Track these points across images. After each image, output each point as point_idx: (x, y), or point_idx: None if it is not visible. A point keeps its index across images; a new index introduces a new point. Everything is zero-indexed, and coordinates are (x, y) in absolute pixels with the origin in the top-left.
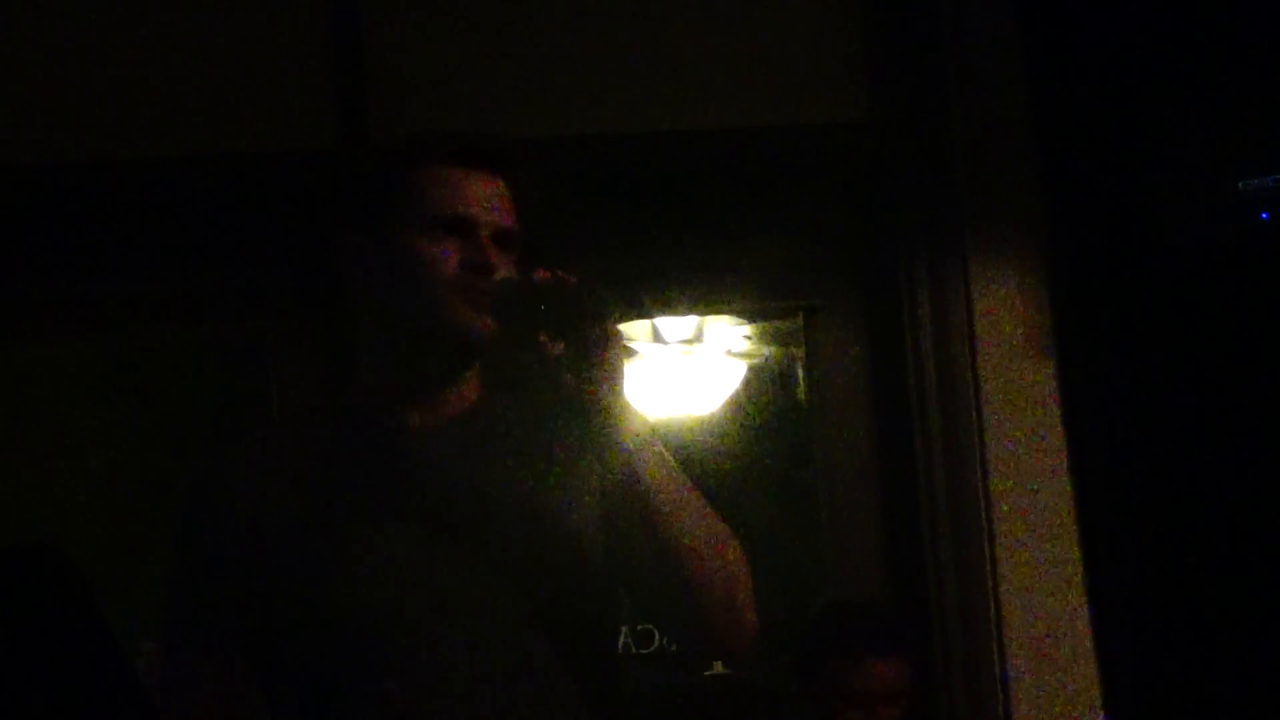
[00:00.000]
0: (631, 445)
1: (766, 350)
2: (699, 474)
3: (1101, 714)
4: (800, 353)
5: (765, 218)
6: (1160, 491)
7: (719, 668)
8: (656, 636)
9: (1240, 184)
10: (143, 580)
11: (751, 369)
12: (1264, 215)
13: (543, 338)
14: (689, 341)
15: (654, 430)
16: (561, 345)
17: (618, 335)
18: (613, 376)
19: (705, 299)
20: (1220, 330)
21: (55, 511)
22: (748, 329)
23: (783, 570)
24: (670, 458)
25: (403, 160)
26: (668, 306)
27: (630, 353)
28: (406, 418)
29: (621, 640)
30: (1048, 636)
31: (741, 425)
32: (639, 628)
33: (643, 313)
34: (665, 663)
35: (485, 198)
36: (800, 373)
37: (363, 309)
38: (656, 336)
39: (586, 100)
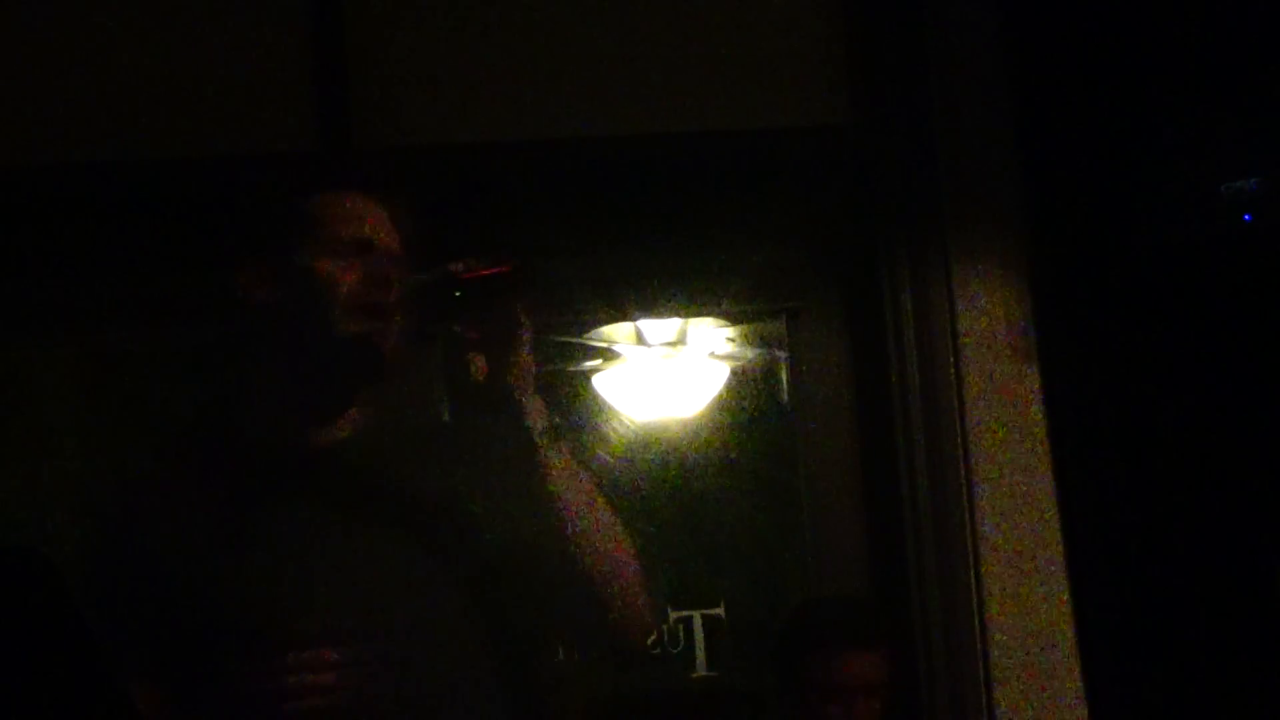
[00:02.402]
0: (539, 440)
1: (749, 352)
2: (682, 476)
3: (1085, 710)
4: (783, 354)
5: (748, 220)
6: (1143, 492)
7: (702, 670)
8: None
9: (1223, 186)
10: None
11: (734, 371)
12: (1246, 217)
13: (457, 328)
14: (672, 344)
15: (559, 428)
16: (476, 335)
17: (530, 328)
18: (523, 367)
19: (688, 301)
20: (1203, 332)
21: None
22: (731, 331)
23: (765, 571)
24: (572, 456)
25: (300, 185)
26: (650, 309)
27: (611, 355)
28: (298, 436)
29: None
30: (1031, 635)
31: (724, 427)
32: None
33: (625, 315)
34: (650, 665)
35: (379, 222)
36: (783, 375)
37: (262, 328)
38: (639, 339)
39: (568, 102)
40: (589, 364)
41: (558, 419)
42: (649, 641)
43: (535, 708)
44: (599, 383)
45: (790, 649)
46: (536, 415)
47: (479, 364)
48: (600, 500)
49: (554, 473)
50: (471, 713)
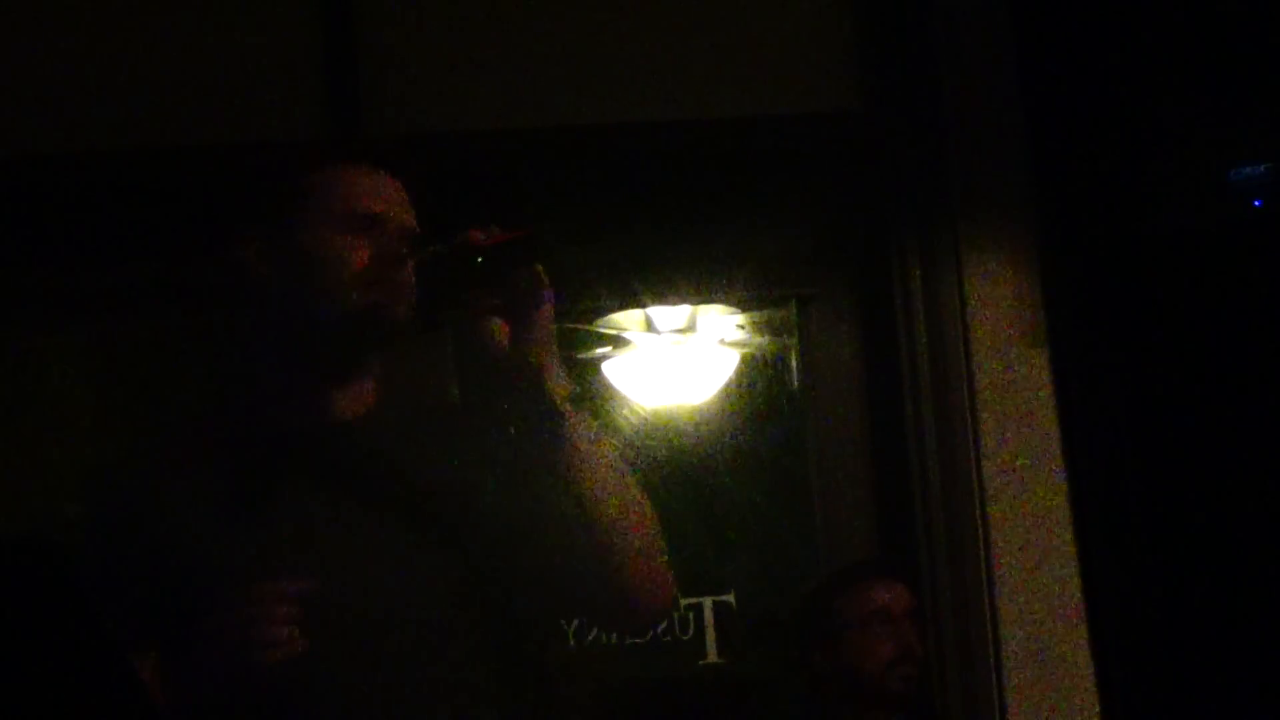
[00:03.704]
0: (563, 407)
1: (759, 339)
2: (692, 463)
3: (1095, 694)
4: (793, 341)
5: (758, 207)
6: (1153, 477)
7: (712, 657)
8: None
9: (1232, 172)
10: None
11: (744, 358)
12: (1256, 203)
13: (474, 294)
14: (682, 331)
15: (579, 396)
16: (495, 301)
17: (549, 293)
18: (545, 334)
19: (698, 288)
20: (1212, 317)
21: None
22: (740, 318)
23: (775, 558)
24: (594, 424)
25: (306, 160)
26: (660, 296)
27: (622, 342)
28: (307, 416)
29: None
30: (1042, 622)
31: (734, 414)
32: None
33: (635, 302)
34: (657, 653)
35: (391, 197)
36: (793, 361)
37: (264, 306)
38: (649, 326)
39: (578, 90)
40: (599, 351)
41: (578, 388)
42: (666, 615)
43: (544, 696)
44: (609, 370)
45: (818, 604)
46: (560, 382)
47: (502, 331)
48: (625, 470)
49: (579, 441)
50: (473, 702)
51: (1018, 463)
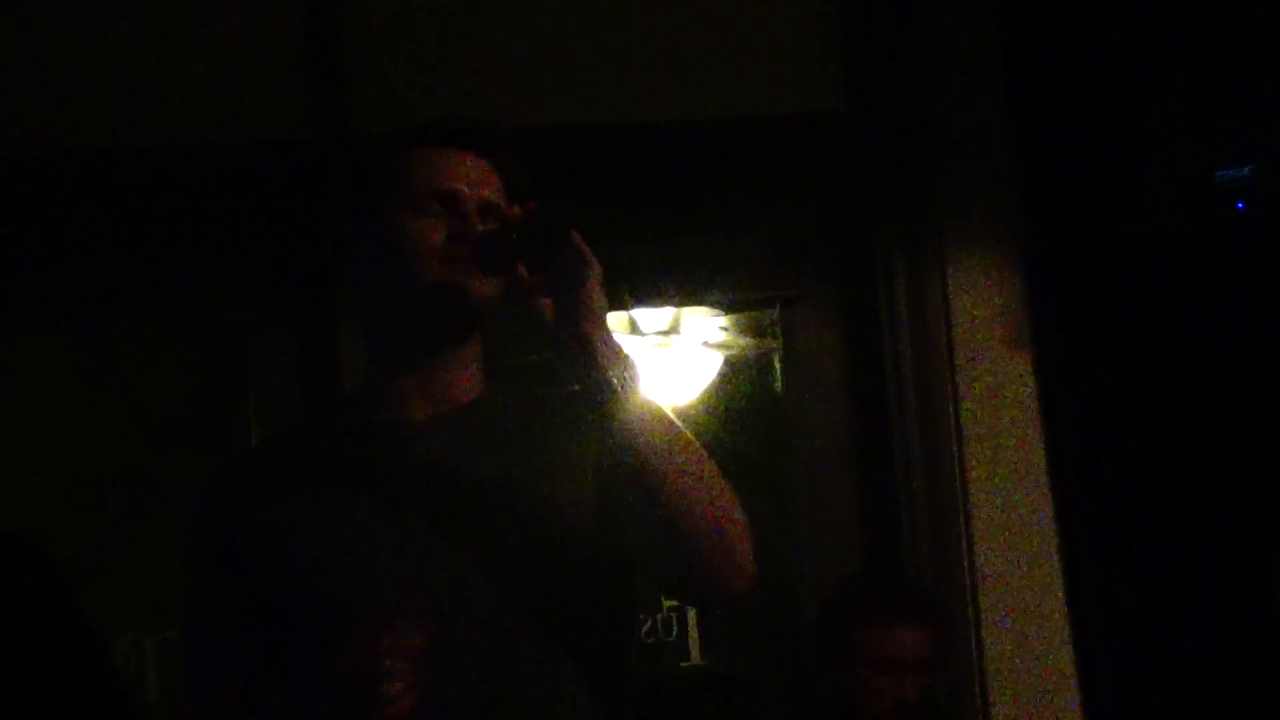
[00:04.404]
0: (616, 382)
1: (743, 341)
2: None
3: (1078, 698)
4: (777, 344)
5: (742, 209)
6: (1138, 479)
7: (696, 658)
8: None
9: (1217, 174)
10: (118, 572)
11: (728, 360)
12: (1240, 205)
13: (520, 270)
14: (665, 333)
15: (638, 369)
16: (539, 277)
17: (595, 266)
18: (591, 307)
19: (682, 290)
20: (1197, 320)
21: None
22: (724, 320)
23: (760, 559)
24: (655, 400)
25: (387, 145)
26: (644, 298)
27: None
28: (405, 411)
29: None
30: (1024, 622)
31: (718, 416)
32: None
33: (619, 304)
34: (642, 653)
35: (468, 174)
36: (777, 364)
37: (355, 299)
38: (633, 328)
39: (563, 90)
40: None
41: (630, 359)
42: (748, 589)
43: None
44: None
45: (841, 623)
46: (609, 353)
47: (548, 307)
48: (684, 436)
49: (632, 412)
50: (569, 705)
51: (1001, 465)
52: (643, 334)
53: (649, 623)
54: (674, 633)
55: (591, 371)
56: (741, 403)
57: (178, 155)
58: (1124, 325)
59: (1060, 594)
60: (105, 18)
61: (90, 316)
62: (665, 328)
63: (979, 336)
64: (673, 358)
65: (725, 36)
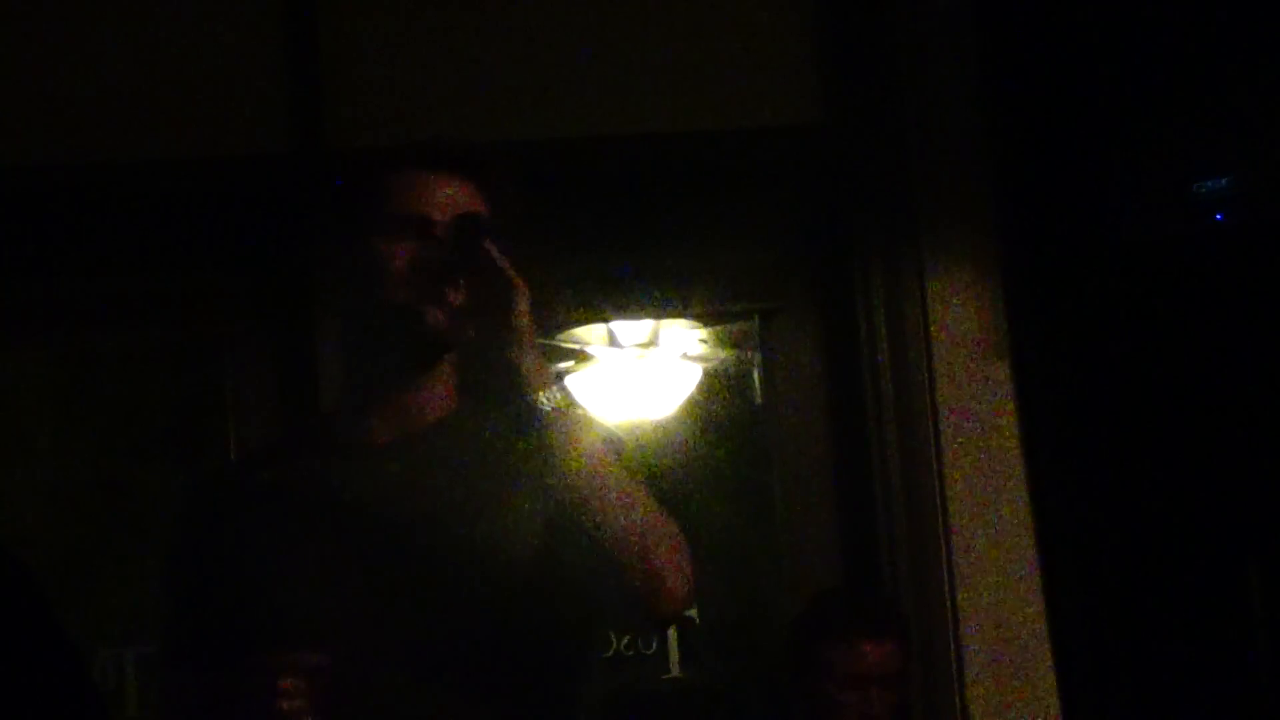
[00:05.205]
0: (545, 405)
1: (722, 353)
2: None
3: (1057, 706)
4: (756, 356)
5: (720, 221)
6: (1115, 490)
7: (675, 671)
8: (614, 640)
9: (1195, 185)
10: (97, 585)
11: (707, 372)
12: (1219, 216)
13: (447, 292)
14: (644, 345)
15: (568, 393)
16: (462, 296)
17: (522, 290)
18: (518, 331)
19: (660, 303)
20: (1175, 331)
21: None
22: (703, 332)
23: (739, 572)
24: (578, 420)
25: (370, 165)
26: (623, 310)
27: (584, 356)
28: (370, 432)
29: None
30: (1004, 634)
31: (697, 428)
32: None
33: (598, 316)
34: (622, 666)
35: (446, 198)
36: (756, 376)
37: (335, 316)
38: (612, 340)
39: (542, 104)
40: (561, 365)
41: (560, 383)
42: (680, 611)
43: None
44: (571, 384)
45: (808, 638)
46: (540, 380)
47: (471, 331)
48: (612, 463)
49: (559, 437)
50: None
51: (980, 475)
52: (622, 347)
53: (628, 635)
54: (654, 646)
55: (520, 395)
56: (721, 415)
57: (157, 169)
58: (1102, 336)
59: (1039, 603)
60: (85, 33)
61: (70, 329)
62: (644, 340)
63: (957, 347)
64: (652, 370)
65: (703, 50)
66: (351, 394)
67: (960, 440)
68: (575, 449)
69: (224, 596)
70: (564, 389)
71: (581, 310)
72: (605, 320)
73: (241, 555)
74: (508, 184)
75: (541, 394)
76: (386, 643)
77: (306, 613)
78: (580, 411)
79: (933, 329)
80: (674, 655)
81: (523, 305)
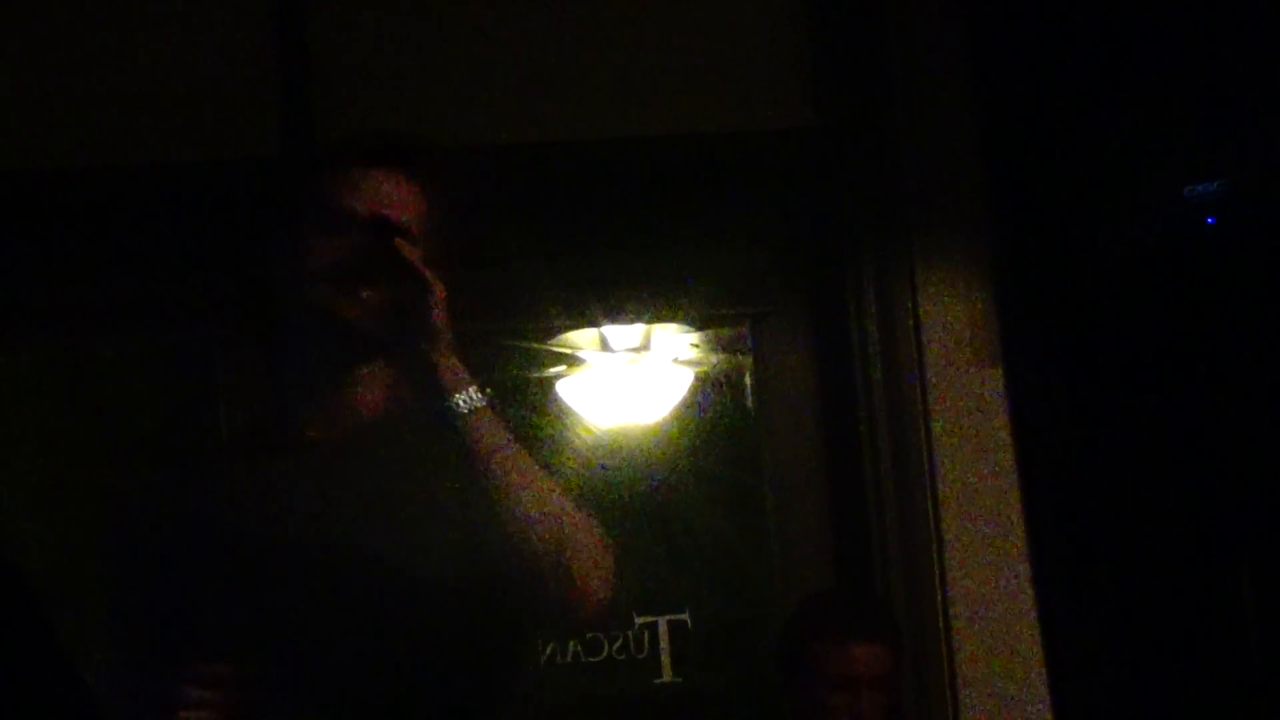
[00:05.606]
0: (461, 405)
1: (714, 358)
2: (647, 481)
3: (1049, 711)
4: (748, 360)
5: (712, 225)
6: (1107, 494)
7: (667, 675)
8: (605, 645)
9: (1186, 189)
10: (89, 589)
11: (699, 376)
12: (1210, 220)
13: (364, 289)
14: (636, 349)
15: (490, 397)
16: (378, 298)
17: (435, 289)
18: (432, 330)
19: (652, 307)
20: (1166, 335)
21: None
22: (695, 337)
23: (731, 576)
24: (504, 428)
25: (317, 162)
26: (614, 314)
27: (576, 361)
28: (300, 430)
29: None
30: (996, 636)
31: (689, 433)
32: (587, 636)
33: (589, 321)
34: (613, 670)
35: (381, 195)
36: (748, 380)
37: (269, 312)
38: (603, 345)
39: (533, 107)
40: (553, 370)
41: (475, 389)
42: (601, 614)
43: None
44: (563, 389)
45: (798, 640)
46: (455, 380)
47: (380, 328)
48: (532, 469)
49: (478, 442)
50: None
51: (972, 480)
52: (613, 351)
53: (620, 639)
54: (645, 650)
55: (437, 397)
56: (713, 419)
57: (148, 173)
58: (1094, 339)
59: (1032, 606)
60: (76, 38)
61: (61, 333)
62: (636, 344)
63: (949, 351)
64: (644, 374)
65: (694, 53)
66: (286, 393)
67: (952, 444)
68: (490, 452)
69: (150, 603)
70: (481, 390)
71: (573, 314)
72: (596, 324)
73: (166, 562)
74: (446, 183)
75: (459, 395)
76: (309, 644)
77: (227, 619)
78: (496, 413)
79: (924, 332)
80: (666, 659)
81: (437, 305)
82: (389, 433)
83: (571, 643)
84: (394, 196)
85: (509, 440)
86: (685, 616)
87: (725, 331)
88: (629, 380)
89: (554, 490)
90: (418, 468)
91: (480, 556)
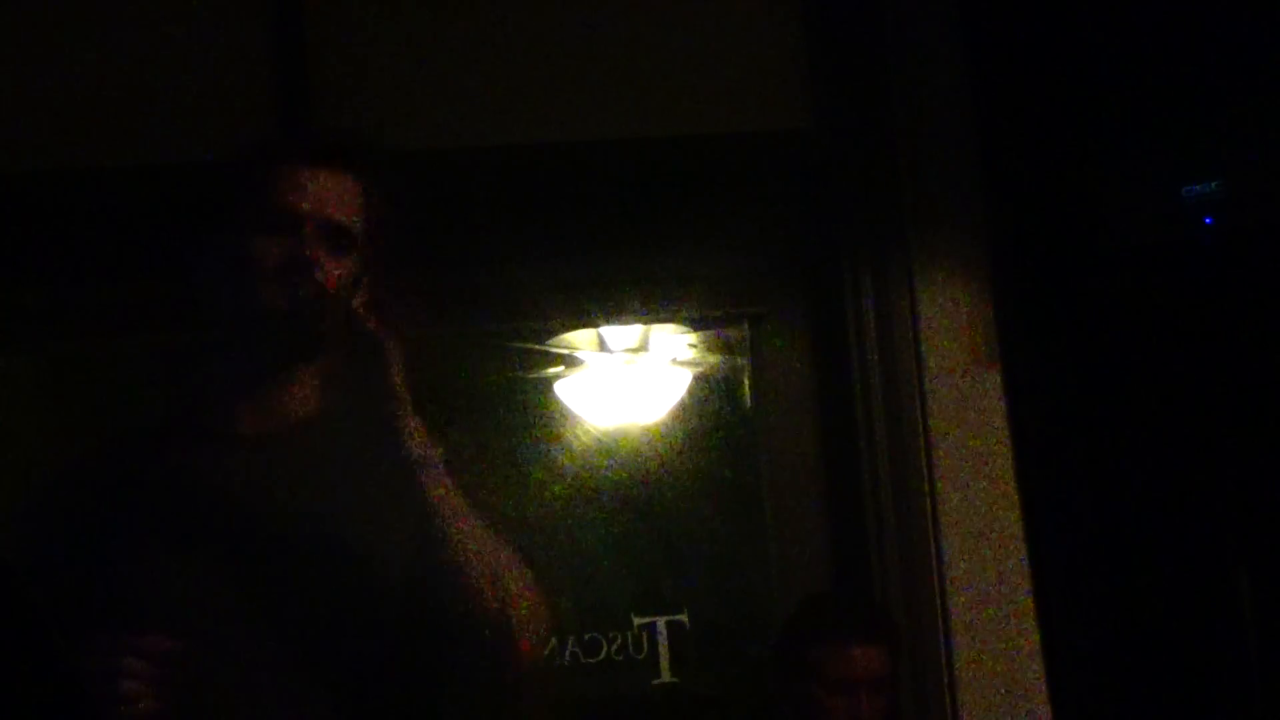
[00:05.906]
0: (414, 452)
1: (712, 358)
2: (645, 482)
3: (1048, 710)
4: (746, 361)
5: (710, 226)
6: (1105, 494)
7: (666, 676)
8: (603, 646)
9: (1184, 189)
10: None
11: (697, 377)
12: (1208, 220)
13: (304, 289)
14: (634, 350)
15: (435, 445)
16: (318, 291)
17: (392, 350)
18: (389, 385)
19: (650, 307)
20: (1165, 335)
21: None
22: (693, 337)
23: (729, 577)
24: (442, 479)
25: (251, 160)
26: (612, 315)
27: (573, 361)
28: (240, 426)
29: (569, 650)
30: (994, 638)
31: (687, 433)
32: (586, 637)
33: (587, 321)
34: (612, 671)
35: (319, 194)
36: (746, 381)
37: (212, 311)
38: (601, 345)
39: (531, 108)
40: (551, 370)
41: (425, 442)
42: (534, 665)
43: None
44: (561, 389)
45: (797, 641)
46: (408, 437)
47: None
48: (476, 524)
49: (426, 494)
50: None
51: (970, 480)
52: (612, 352)
53: (619, 640)
54: (644, 651)
55: (395, 451)
56: (710, 420)
57: (144, 174)
58: (1092, 339)
59: (1030, 607)
60: (72, 40)
61: (55, 334)
62: (634, 345)
63: (947, 352)
64: (642, 375)
65: (691, 54)
66: (217, 385)
67: (950, 443)
68: (433, 505)
69: (79, 578)
70: (431, 441)
71: (571, 315)
72: (594, 325)
73: (95, 539)
74: (386, 179)
75: (414, 446)
76: (239, 628)
77: (160, 597)
78: (441, 467)
79: (922, 333)
80: (664, 660)
81: (395, 364)
82: (322, 431)
83: (570, 643)
84: (336, 196)
85: (451, 494)
86: (683, 617)
87: (723, 332)
88: (627, 381)
89: (499, 547)
90: (349, 467)
91: (414, 560)
